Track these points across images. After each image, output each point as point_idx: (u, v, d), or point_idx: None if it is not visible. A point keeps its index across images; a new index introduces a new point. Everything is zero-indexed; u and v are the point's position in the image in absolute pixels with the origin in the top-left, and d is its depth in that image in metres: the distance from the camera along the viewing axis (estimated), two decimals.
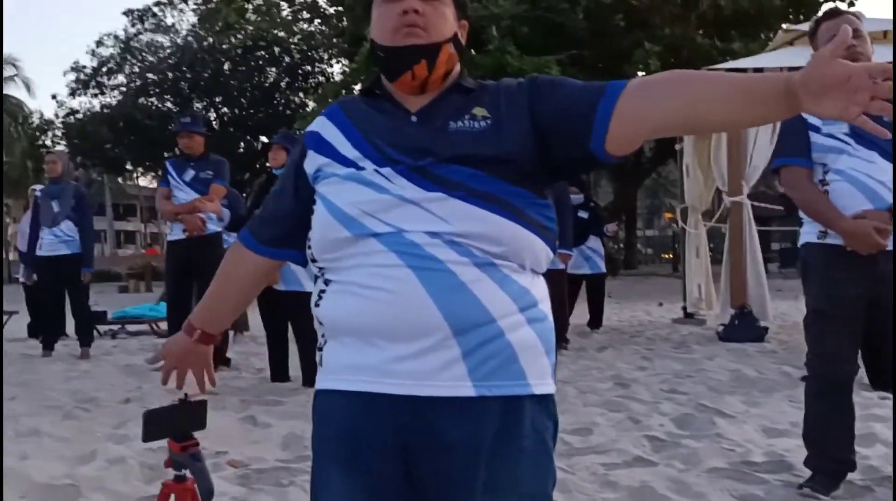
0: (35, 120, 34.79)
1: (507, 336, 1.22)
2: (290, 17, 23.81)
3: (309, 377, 4.95)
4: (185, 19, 29.34)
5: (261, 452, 3.61)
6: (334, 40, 25.33)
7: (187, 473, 2.04)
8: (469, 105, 1.31)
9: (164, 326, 8.55)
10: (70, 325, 6.95)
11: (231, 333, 6.70)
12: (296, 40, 26.36)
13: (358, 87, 21.20)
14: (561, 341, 6.51)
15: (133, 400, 4.75)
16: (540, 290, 1.30)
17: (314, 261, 1.32)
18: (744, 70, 6.93)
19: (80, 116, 28.65)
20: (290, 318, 5.00)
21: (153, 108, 28.46)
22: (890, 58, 2.69)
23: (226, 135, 28.95)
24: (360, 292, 1.22)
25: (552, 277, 5.35)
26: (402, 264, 1.19)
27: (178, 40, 28.60)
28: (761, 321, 6.90)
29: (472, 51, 18.34)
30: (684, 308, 9.24)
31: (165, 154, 28.51)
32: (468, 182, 1.22)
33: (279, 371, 5.11)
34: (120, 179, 35.41)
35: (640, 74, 19.63)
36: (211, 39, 27.25)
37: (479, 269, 1.20)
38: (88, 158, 28.77)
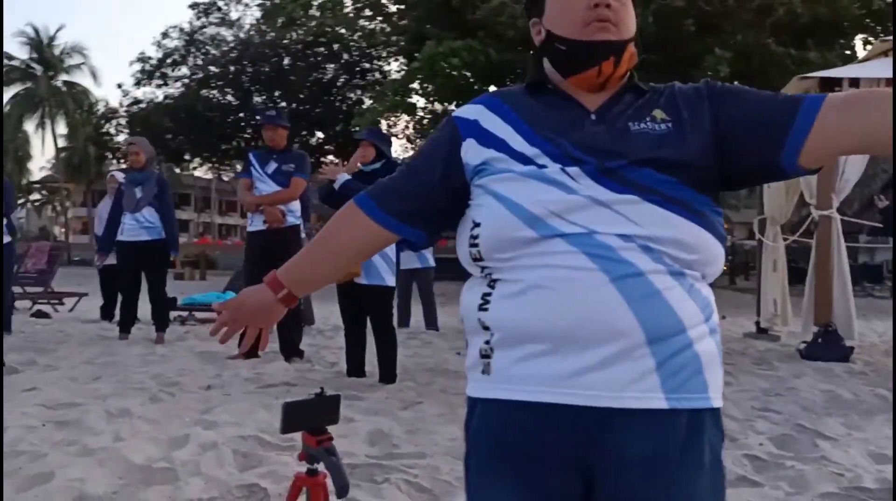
0: (100, 108, 35.71)
1: (695, 347, 1.18)
2: (352, 14, 23.97)
3: (387, 374, 4.94)
4: (248, 14, 29.80)
5: (348, 447, 3.60)
6: (393, 38, 25.43)
7: (320, 467, 2.04)
8: (647, 107, 1.28)
9: None
10: (143, 310, 7.07)
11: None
12: (356, 37, 26.54)
13: (415, 85, 21.31)
14: None
15: (214, 387, 4.81)
16: (713, 301, 1.26)
17: (478, 260, 1.25)
18: (839, 80, 6.74)
19: (143, 105, 29.29)
20: (370, 313, 5.00)
21: (214, 100, 28.97)
22: None
23: None
24: (545, 296, 1.17)
25: None
26: (595, 267, 1.15)
27: (241, 34, 29.05)
28: (846, 340, 6.68)
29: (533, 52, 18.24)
30: (758, 323, 9.02)
31: (223, 146, 29.26)
32: (661, 187, 1.19)
33: (356, 367, 5.12)
34: (177, 170, 36.10)
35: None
36: (273, 34, 27.62)
37: (672, 277, 1.17)
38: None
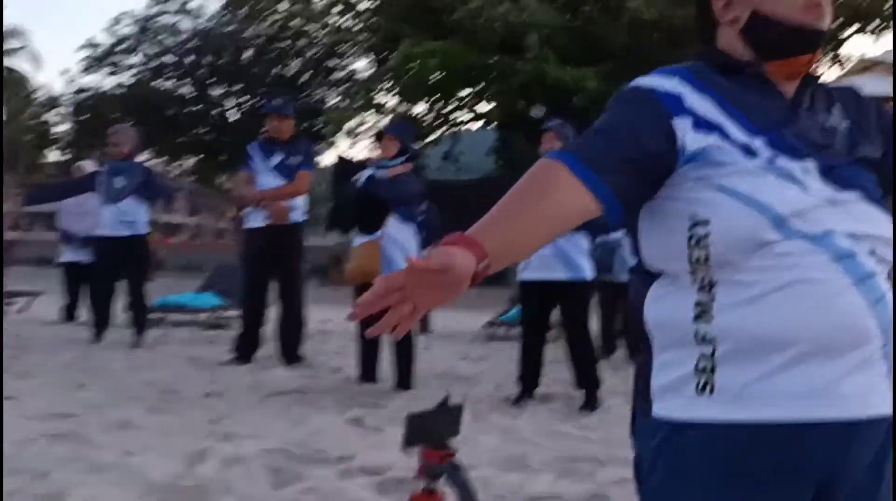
0: (40, 95, 34.34)
1: None
2: (321, 9, 23.61)
3: (404, 380, 4.71)
4: (209, 3, 29.14)
5: (386, 459, 3.37)
6: (361, 36, 25.20)
7: (438, 485, 1.83)
8: (824, 101, 1.24)
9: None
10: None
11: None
12: (322, 33, 26.17)
13: (385, 84, 21.04)
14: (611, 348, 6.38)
15: (213, 395, 4.50)
16: None
17: (699, 263, 1.10)
18: None
19: (89, 94, 28.34)
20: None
21: (168, 91, 28.23)
22: None
23: (243, 124, 28.74)
24: (792, 300, 1.07)
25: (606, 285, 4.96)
26: (839, 269, 1.08)
27: (200, 24, 28.36)
28: None
29: (512, 57, 18.20)
30: None
31: (177, 139, 28.38)
32: (870, 186, 1.17)
33: (370, 372, 4.86)
34: None
35: None
36: (233, 26, 27.05)
37: (886, 278, 1.11)
38: (97, 138, 28.45)
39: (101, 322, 6.38)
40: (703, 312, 1.11)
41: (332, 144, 27.58)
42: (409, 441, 1.65)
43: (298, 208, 5.43)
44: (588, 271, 4.33)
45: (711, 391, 1.10)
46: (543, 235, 1.15)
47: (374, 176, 4.66)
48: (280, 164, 5.36)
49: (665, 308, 1.15)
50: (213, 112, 29.16)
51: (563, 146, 4.33)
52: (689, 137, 1.14)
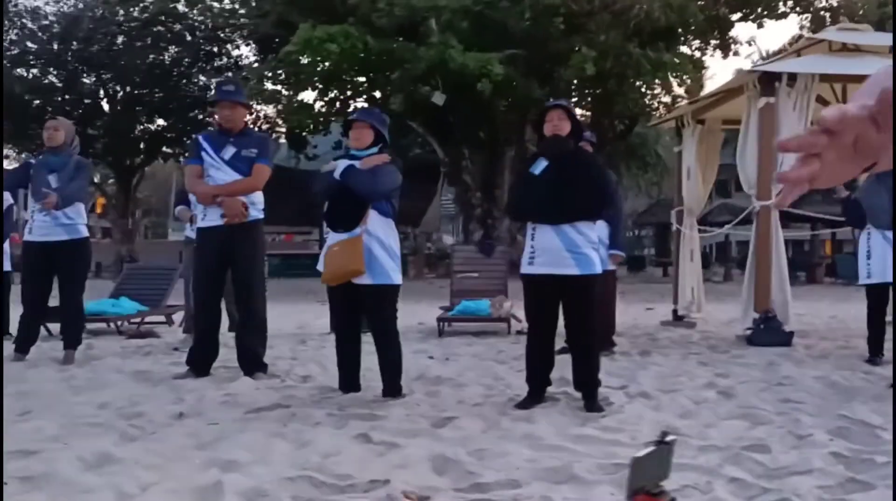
0: None
1: None
2: None
3: (392, 387, 4.41)
4: None
5: (421, 479, 3.09)
6: (243, 21, 24.18)
7: None
8: None
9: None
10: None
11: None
12: (201, 17, 24.88)
13: (279, 73, 20.24)
14: (610, 344, 6.24)
15: (187, 416, 4.05)
16: None
17: None
18: (778, 74, 6.90)
19: None
20: (372, 316, 4.43)
21: (33, 80, 26.13)
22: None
23: (117, 115, 27.02)
24: None
25: (606, 278, 4.87)
26: None
27: (65, 8, 26.36)
28: (784, 325, 6.92)
29: (414, 43, 17.90)
30: (675, 311, 9.21)
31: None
32: None
33: (351, 380, 4.53)
34: None
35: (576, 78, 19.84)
36: (103, 11, 25.29)
37: None
38: None
39: (27, 337, 5.70)
40: None
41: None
42: (634, 488, 1.38)
43: (257, 205, 4.99)
44: (598, 264, 4.15)
45: None
46: None
47: (352, 168, 4.31)
48: (234, 157, 4.90)
49: None
50: (86, 102, 27.27)
51: (572, 127, 4.18)
52: None
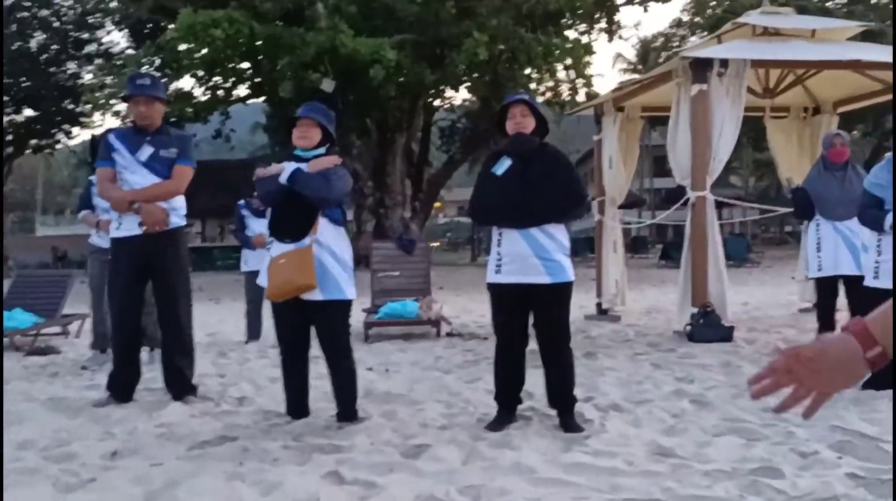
0: None
1: None
2: None
3: (347, 410, 4.04)
4: None
5: None
6: (113, 5, 22.75)
7: None
8: None
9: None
10: None
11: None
12: (69, 2, 23.19)
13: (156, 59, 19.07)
14: None
15: (123, 454, 3.54)
16: None
17: None
18: (710, 60, 6.86)
19: None
20: (324, 334, 4.03)
21: None
22: None
23: None
24: None
25: None
26: None
27: None
28: (723, 319, 6.86)
29: (302, 28, 17.25)
30: (599, 304, 9.15)
31: None
32: None
33: (300, 405, 4.11)
34: None
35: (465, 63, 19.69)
36: None
37: None
38: None
39: None
40: None
41: (89, 125, 24.88)
42: None
43: (178, 210, 4.46)
44: (571, 271, 3.89)
45: None
46: None
47: (301, 172, 3.88)
48: (152, 157, 4.36)
49: None
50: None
51: (537, 123, 3.89)
52: None
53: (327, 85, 18.09)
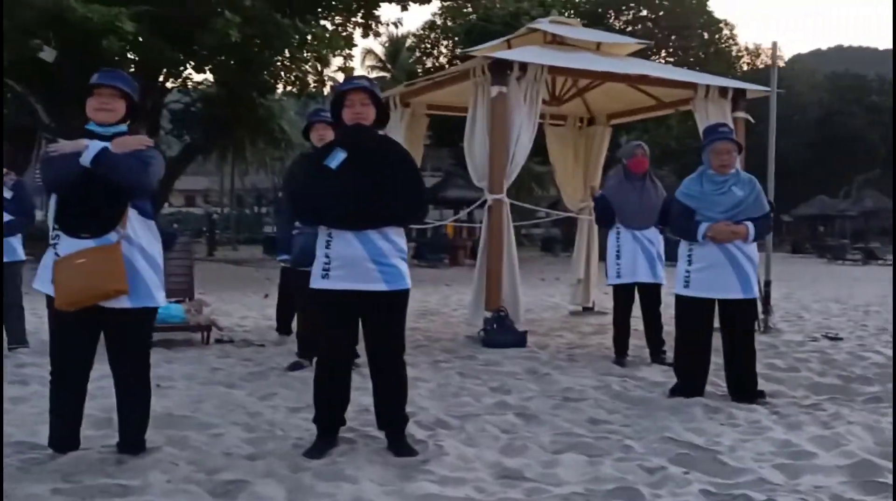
0: None
1: None
2: None
3: (136, 440, 3.38)
4: None
5: None
6: None
7: None
8: None
9: None
10: None
11: None
12: None
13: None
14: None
15: None
16: None
17: None
18: (510, 62, 6.86)
19: None
20: (124, 347, 3.36)
21: None
22: None
23: None
24: None
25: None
26: None
27: None
28: (517, 324, 6.88)
29: None
30: None
31: None
32: None
33: (72, 435, 3.37)
34: None
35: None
36: None
37: None
38: None
39: None
40: None
41: None
42: None
43: None
44: (408, 278, 3.55)
45: None
46: None
47: (108, 152, 3.16)
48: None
49: None
50: None
51: (377, 114, 3.46)
52: None
53: (48, 55, 16.14)
